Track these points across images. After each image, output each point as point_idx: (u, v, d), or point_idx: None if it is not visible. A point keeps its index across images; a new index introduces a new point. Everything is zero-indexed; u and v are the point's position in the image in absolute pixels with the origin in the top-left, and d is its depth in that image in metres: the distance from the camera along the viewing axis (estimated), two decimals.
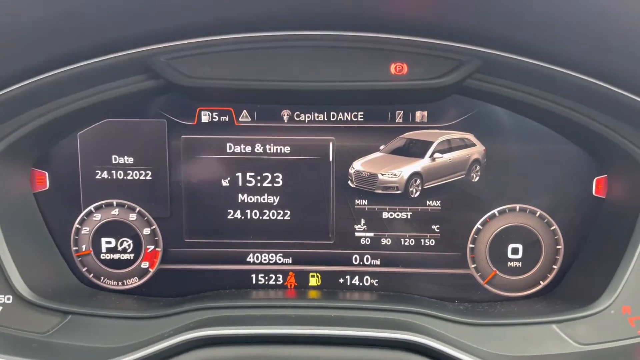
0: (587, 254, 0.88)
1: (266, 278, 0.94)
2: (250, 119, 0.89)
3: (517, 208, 0.90)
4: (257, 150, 0.90)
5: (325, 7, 0.73)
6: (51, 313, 0.83)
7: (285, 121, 0.89)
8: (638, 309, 0.81)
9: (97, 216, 0.92)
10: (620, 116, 0.79)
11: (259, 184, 0.91)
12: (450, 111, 0.88)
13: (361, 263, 0.93)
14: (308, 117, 0.89)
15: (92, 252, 0.93)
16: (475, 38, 0.76)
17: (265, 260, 0.93)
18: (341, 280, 0.93)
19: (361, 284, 0.93)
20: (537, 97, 0.81)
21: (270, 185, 0.91)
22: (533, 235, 0.91)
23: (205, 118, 0.89)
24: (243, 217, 0.92)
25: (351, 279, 0.93)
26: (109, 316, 0.83)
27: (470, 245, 0.92)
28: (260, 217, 0.92)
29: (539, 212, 0.90)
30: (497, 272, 0.92)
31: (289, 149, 0.90)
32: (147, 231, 0.93)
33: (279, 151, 0.90)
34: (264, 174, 0.91)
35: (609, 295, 0.80)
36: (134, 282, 0.94)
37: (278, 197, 0.91)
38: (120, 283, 0.94)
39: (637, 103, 0.76)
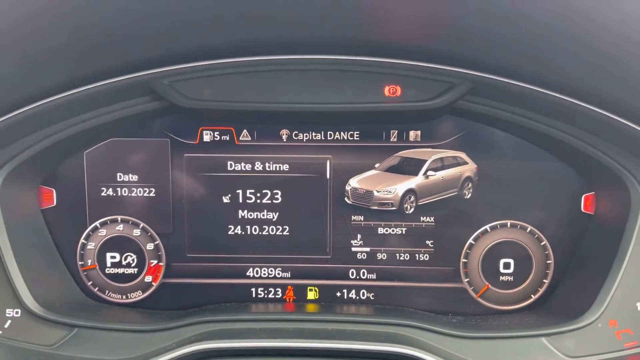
0: (576, 268, 0.91)
1: (265, 292, 0.96)
2: (250, 138, 0.92)
3: (508, 224, 0.93)
4: (257, 168, 0.93)
5: (322, 32, 0.76)
6: (58, 326, 0.85)
7: (284, 140, 0.92)
8: (624, 322, 0.83)
9: (103, 232, 0.95)
10: (606, 136, 0.82)
11: (258, 201, 0.94)
12: (443, 131, 0.91)
13: (357, 277, 0.96)
14: (306, 136, 0.92)
15: (97, 267, 0.96)
16: (466, 62, 0.78)
17: (264, 274, 0.96)
18: (338, 294, 0.96)
19: (357, 298, 0.96)
20: (526, 118, 0.84)
21: (269, 202, 0.94)
22: (524, 250, 0.93)
23: (207, 137, 0.92)
24: (243, 233, 0.95)
25: (348, 293, 0.96)
26: (114, 329, 0.85)
27: (463, 260, 0.94)
28: (260, 233, 0.95)
29: (529, 227, 0.93)
30: (490, 286, 0.94)
31: (287, 167, 0.93)
32: (150, 246, 0.96)
33: (278, 169, 0.93)
34: (264, 191, 0.94)
35: (596, 309, 0.82)
36: (137, 296, 0.97)
37: (277, 214, 0.94)
38: (124, 297, 0.97)
39: (622, 124, 0.78)
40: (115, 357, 0.81)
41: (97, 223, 0.95)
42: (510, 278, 0.94)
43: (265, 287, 0.96)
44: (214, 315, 0.86)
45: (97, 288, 0.96)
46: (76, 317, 0.86)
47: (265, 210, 0.94)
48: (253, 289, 0.96)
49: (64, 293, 0.92)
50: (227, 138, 0.92)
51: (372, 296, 0.96)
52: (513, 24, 0.69)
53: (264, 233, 0.95)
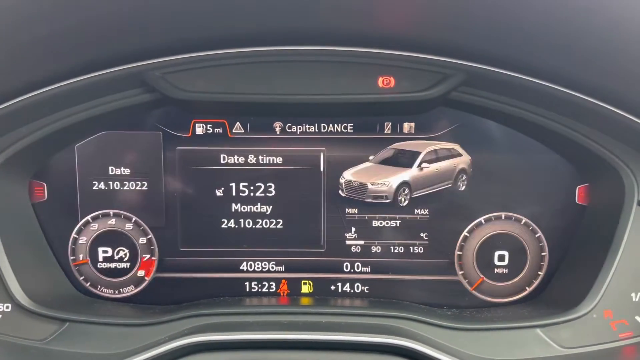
0: (571, 260, 0.91)
1: (259, 285, 0.96)
2: (243, 131, 0.92)
3: (503, 216, 0.93)
4: (250, 161, 0.92)
5: (315, 23, 0.75)
6: (49, 321, 0.85)
7: (278, 133, 0.92)
8: (619, 313, 0.83)
9: (94, 226, 0.94)
10: (600, 127, 0.82)
11: (252, 194, 0.93)
12: (437, 122, 0.91)
13: (352, 270, 0.95)
14: (299, 128, 0.91)
15: (89, 261, 0.95)
16: (459, 52, 0.78)
17: (258, 268, 0.95)
18: (332, 288, 0.95)
19: (352, 291, 0.95)
20: (520, 109, 0.83)
21: (263, 195, 0.93)
22: (518, 242, 0.93)
23: (199, 130, 0.91)
24: (237, 226, 0.94)
25: (342, 286, 0.95)
26: (106, 323, 0.84)
27: (458, 253, 0.94)
28: (254, 226, 0.94)
29: (524, 219, 0.93)
30: (484, 278, 0.94)
31: (281, 159, 0.92)
32: (143, 240, 0.95)
33: (272, 162, 0.92)
34: (257, 184, 0.93)
35: (591, 300, 0.82)
36: (130, 291, 0.96)
37: (271, 207, 0.94)
38: (116, 291, 0.96)
39: (616, 115, 0.78)
40: (107, 352, 0.80)
41: (88, 217, 0.94)
42: (505, 270, 0.94)
43: (259, 281, 0.96)
44: (207, 309, 0.86)
45: (89, 283, 0.95)
46: (67, 312, 0.85)
47: (259, 204, 0.94)
48: (247, 283, 0.96)
49: (55, 288, 0.91)
50: (220, 131, 0.92)
51: (367, 289, 0.95)
52: (507, 14, 0.69)
53: (257, 227, 0.94)
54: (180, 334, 0.79)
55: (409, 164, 0.93)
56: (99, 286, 0.96)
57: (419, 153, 0.92)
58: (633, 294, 0.84)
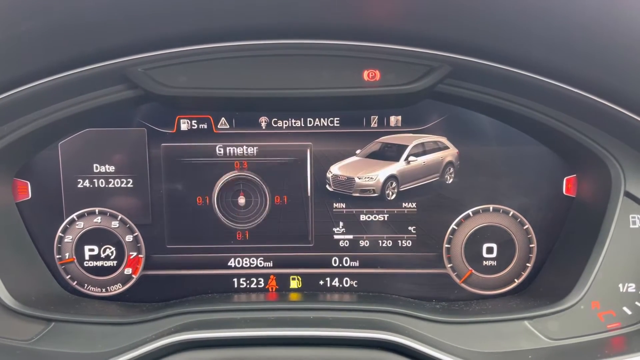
0: (559, 251, 0.91)
1: (248, 282, 0.95)
2: (228, 126, 0.91)
3: (491, 208, 0.93)
4: (237, 156, 0.92)
5: (299, 17, 0.74)
6: (35, 321, 0.84)
7: (263, 128, 0.91)
8: (607, 304, 0.83)
9: (80, 224, 0.93)
10: (587, 118, 0.82)
11: (239, 190, 0.93)
12: (424, 115, 0.90)
13: (340, 265, 0.95)
14: (285, 123, 0.91)
15: (75, 260, 0.94)
16: (445, 44, 0.77)
17: (246, 264, 0.95)
18: (321, 282, 0.95)
19: (341, 286, 0.95)
20: (507, 101, 0.83)
21: (251, 191, 0.93)
22: (506, 234, 0.93)
23: (184, 126, 0.91)
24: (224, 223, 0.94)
25: (331, 281, 0.95)
26: (92, 322, 0.84)
27: (446, 246, 0.94)
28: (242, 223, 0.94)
29: (511, 211, 0.93)
30: (473, 271, 0.94)
31: (268, 154, 0.92)
32: (129, 238, 0.94)
33: (258, 157, 0.92)
34: (244, 180, 0.92)
35: (578, 291, 0.82)
36: (117, 289, 0.95)
37: (258, 202, 0.93)
38: (103, 290, 0.95)
39: (603, 106, 0.78)
40: (93, 351, 0.79)
41: (74, 215, 0.93)
42: (494, 263, 0.94)
43: (248, 277, 0.95)
44: (194, 307, 0.85)
45: (75, 282, 0.95)
46: (53, 311, 0.85)
47: (246, 199, 0.93)
48: (235, 280, 0.95)
49: (41, 287, 0.90)
50: (205, 126, 0.91)
51: (356, 284, 0.95)
52: (492, 5, 0.68)
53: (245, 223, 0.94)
54: (167, 332, 0.78)
55: (396, 157, 0.92)
56: (86, 285, 0.95)
57: (406, 146, 0.92)
58: (620, 285, 0.84)
